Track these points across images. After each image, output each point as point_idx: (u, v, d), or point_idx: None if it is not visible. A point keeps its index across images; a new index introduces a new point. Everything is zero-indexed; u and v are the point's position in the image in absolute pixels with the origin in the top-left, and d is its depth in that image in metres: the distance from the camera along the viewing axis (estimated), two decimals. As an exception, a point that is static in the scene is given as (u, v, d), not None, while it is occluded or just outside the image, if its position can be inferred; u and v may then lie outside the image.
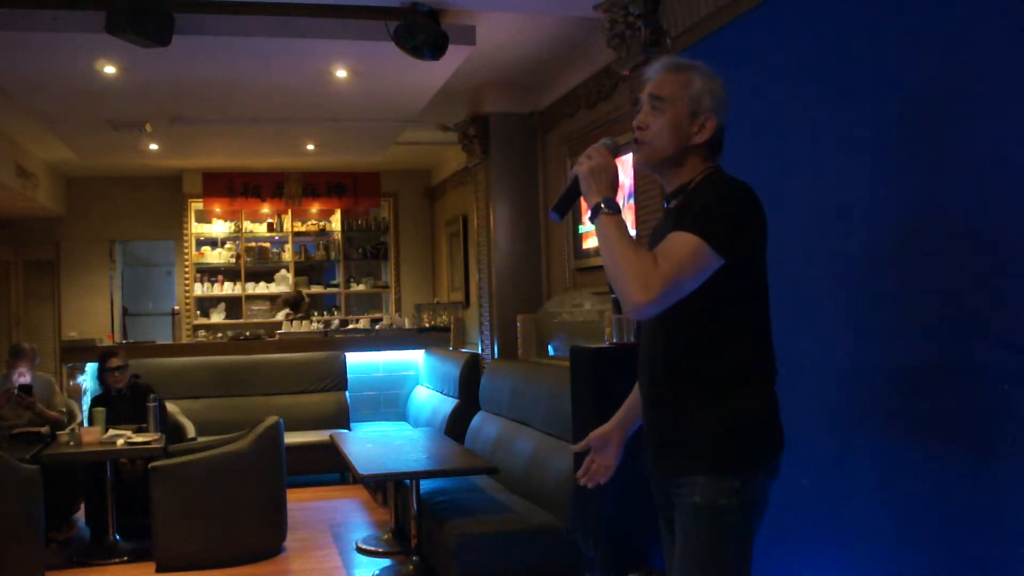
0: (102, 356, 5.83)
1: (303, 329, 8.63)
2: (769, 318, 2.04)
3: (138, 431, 5.29)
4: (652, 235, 2.23)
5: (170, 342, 9.19)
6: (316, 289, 10.66)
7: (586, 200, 1.98)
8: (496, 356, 6.66)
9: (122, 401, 5.57)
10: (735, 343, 1.97)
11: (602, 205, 1.92)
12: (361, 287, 10.74)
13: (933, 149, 2.53)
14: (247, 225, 10.46)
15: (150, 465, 4.94)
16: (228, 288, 10.26)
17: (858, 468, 2.77)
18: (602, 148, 2.00)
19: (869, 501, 2.73)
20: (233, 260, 10.38)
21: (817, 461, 2.91)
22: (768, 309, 2.04)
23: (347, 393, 7.67)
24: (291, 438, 6.00)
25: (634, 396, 2.31)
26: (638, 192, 4.65)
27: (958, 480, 2.40)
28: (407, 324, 8.97)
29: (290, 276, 10.43)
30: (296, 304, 9.22)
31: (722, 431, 1.95)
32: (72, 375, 7.25)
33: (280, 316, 9.27)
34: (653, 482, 2.15)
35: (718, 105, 2.04)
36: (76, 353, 7.18)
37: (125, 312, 11.06)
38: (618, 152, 2.04)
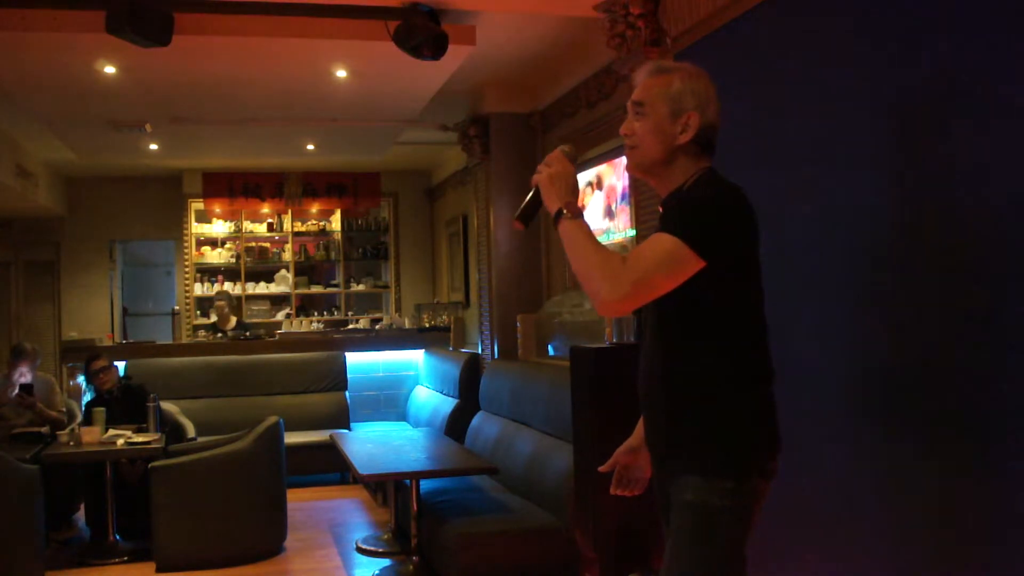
0: (87, 360, 5.82)
1: (303, 329, 8.63)
2: (764, 320, 2.04)
3: (138, 431, 5.29)
4: None
5: (170, 342, 9.19)
6: (316, 289, 10.66)
7: (547, 207, 2.03)
8: (496, 356, 6.66)
9: (114, 403, 5.56)
10: (730, 345, 1.98)
11: (563, 211, 1.98)
12: (361, 287, 10.74)
13: (933, 149, 2.53)
14: (247, 225, 10.46)
15: (150, 465, 4.94)
16: (228, 288, 10.26)
17: (858, 468, 2.77)
18: (559, 155, 2.05)
19: (869, 501, 2.73)
20: (233, 260, 10.39)
21: (817, 461, 2.90)
22: (763, 311, 2.04)
23: (347, 393, 7.67)
24: (291, 438, 6.00)
25: None
26: (637, 192, 4.65)
27: (958, 480, 2.40)
28: (407, 324, 8.97)
29: (290, 276, 10.43)
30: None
31: (717, 432, 1.96)
32: (72, 375, 7.25)
33: None
34: (654, 481, 2.16)
35: (701, 103, 2.04)
36: (76, 353, 7.18)
37: (125, 312, 11.06)
38: (575, 159, 2.09)
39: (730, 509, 1.92)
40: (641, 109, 2.06)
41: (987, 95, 2.33)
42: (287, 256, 10.52)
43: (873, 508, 2.71)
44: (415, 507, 4.64)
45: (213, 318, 9.00)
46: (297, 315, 10.24)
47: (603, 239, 5.55)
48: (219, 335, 8.44)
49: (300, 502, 6.36)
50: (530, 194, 2.09)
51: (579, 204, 1.99)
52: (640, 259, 1.88)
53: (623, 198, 5.33)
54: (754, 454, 1.97)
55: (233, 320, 8.72)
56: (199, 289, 10.18)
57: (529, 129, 6.76)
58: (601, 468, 2.35)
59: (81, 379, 7.11)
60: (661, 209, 2.14)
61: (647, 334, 2.09)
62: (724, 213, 1.94)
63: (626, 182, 5.28)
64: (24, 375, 5.92)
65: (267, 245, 10.62)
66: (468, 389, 6.59)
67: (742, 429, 1.96)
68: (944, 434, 2.46)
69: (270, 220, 10.52)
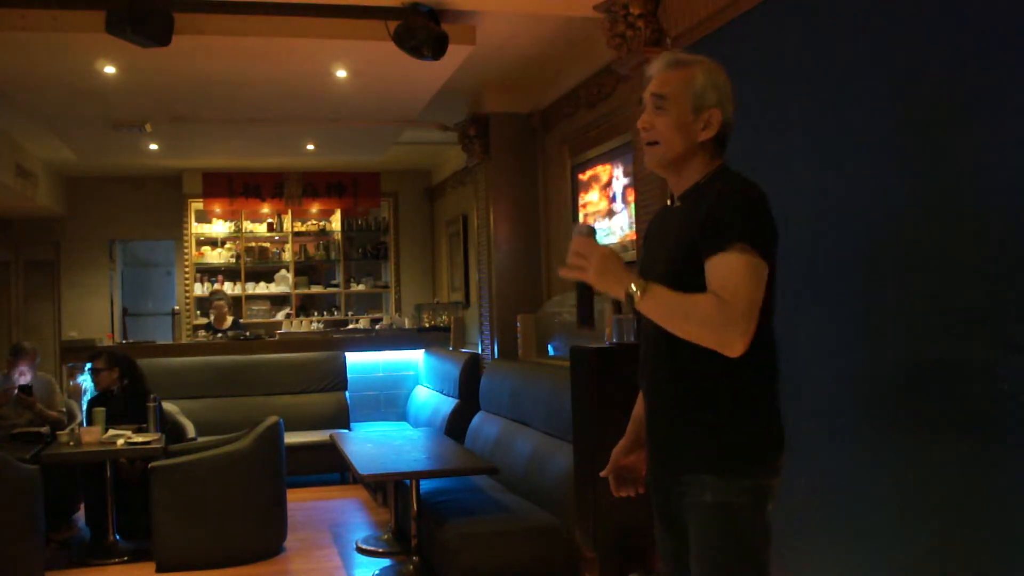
0: (89, 359, 5.85)
1: (303, 329, 8.63)
2: (773, 316, 2.00)
3: (138, 431, 5.29)
4: (648, 230, 2.20)
5: (170, 342, 9.19)
6: (316, 289, 10.66)
7: (613, 297, 1.94)
8: (496, 356, 6.66)
9: (115, 402, 5.57)
10: None
11: (630, 292, 1.87)
12: (361, 287, 10.74)
13: (933, 149, 2.53)
14: (247, 225, 10.46)
15: (150, 465, 4.94)
16: (228, 288, 10.26)
17: (857, 468, 2.77)
18: (587, 241, 1.93)
19: (868, 501, 2.73)
20: (233, 260, 10.39)
21: (816, 461, 2.90)
22: (773, 307, 2.00)
23: (347, 393, 7.67)
24: (291, 438, 6.00)
25: (641, 406, 2.25)
26: (638, 192, 4.65)
27: (958, 479, 2.40)
28: (407, 324, 8.97)
29: (290, 276, 10.44)
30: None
31: (729, 431, 1.93)
32: (72, 375, 7.25)
33: None
34: (653, 481, 2.13)
35: (722, 99, 2.00)
36: (76, 353, 7.18)
37: (125, 312, 11.06)
38: (594, 232, 1.98)
39: (750, 506, 1.90)
40: (663, 103, 1.99)
41: (988, 94, 2.32)
42: (287, 256, 10.52)
43: (872, 507, 2.71)
44: (415, 507, 4.64)
45: (211, 317, 9.01)
46: (297, 315, 10.24)
47: (603, 239, 5.56)
48: (217, 335, 8.45)
49: (300, 502, 6.35)
50: (579, 295, 2.02)
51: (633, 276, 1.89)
52: (733, 292, 1.81)
53: (622, 198, 5.33)
54: (766, 452, 1.95)
55: (229, 320, 8.74)
56: (199, 289, 10.18)
57: (529, 129, 6.76)
58: (602, 473, 2.29)
59: (81, 379, 7.12)
60: (673, 203, 2.08)
61: (651, 330, 2.00)
62: (763, 210, 1.92)
63: (625, 182, 5.28)
64: (24, 375, 5.92)
65: (267, 245, 10.63)
66: (468, 389, 6.58)
67: (754, 427, 1.94)
68: (944, 434, 2.46)
69: (270, 220, 10.53)
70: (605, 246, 1.94)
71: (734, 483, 1.90)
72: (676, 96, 1.98)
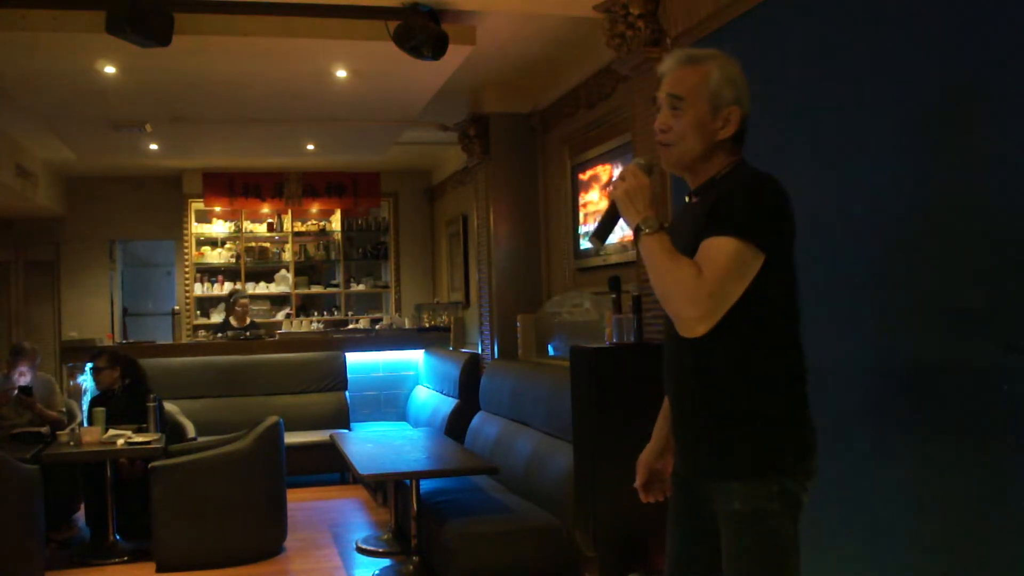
0: (90, 358, 5.86)
1: (303, 329, 8.63)
2: (799, 314, 1.97)
3: (138, 431, 5.29)
4: (670, 227, 2.18)
5: (170, 342, 9.19)
6: (316, 289, 10.66)
7: (626, 222, 1.94)
8: (496, 356, 6.66)
9: (117, 401, 5.57)
10: (766, 342, 1.90)
11: (641, 226, 1.88)
12: (361, 287, 10.74)
13: (933, 150, 2.52)
14: (247, 225, 10.46)
15: (150, 465, 4.94)
16: (228, 288, 10.26)
17: (857, 467, 2.77)
18: (635, 168, 1.95)
19: (869, 500, 2.73)
20: (233, 260, 10.39)
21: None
22: (798, 304, 1.97)
23: (347, 393, 7.67)
24: (291, 438, 6.00)
25: (668, 408, 2.23)
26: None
27: (958, 480, 2.40)
28: (407, 324, 8.97)
29: (290, 276, 10.44)
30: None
31: (756, 434, 1.89)
32: (72, 375, 7.25)
33: None
34: (677, 481, 2.10)
35: (740, 95, 1.96)
36: (76, 353, 7.18)
37: (125, 312, 11.06)
38: (652, 171, 1.98)
39: (779, 512, 1.87)
40: (679, 103, 1.95)
41: (988, 94, 2.32)
42: (287, 256, 10.52)
43: (872, 507, 2.71)
44: (415, 507, 4.64)
45: (215, 318, 9.01)
46: (297, 315, 10.24)
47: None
48: (218, 335, 8.44)
49: (300, 502, 6.36)
50: (606, 210, 2.01)
51: (656, 216, 1.89)
52: (710, 271, 1.79)
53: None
54: (794, 456, 1.91)
55: (248, 319, 8.76)
56: (199, 289, 10.18)
57: (529, 129, 6.76)
58: (636, 483, 2.25)
59: (81, 379, 7.12)
60: (690, 199, 2.06)
61: (675, 333, 1.94)
62: (772, 203, 1.89)
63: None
64: (24, 375, 5.92)
65: (267, 245, 10.63)
66: (468, 389, 6.58)
67: (780, 429, 1.90)
68: (944, 434, 2.45)
69: (270, 220, 10.53)
70: (646, 180, 1.95)
71: (762, 489, 1.86)
72: (692, 96, 1.95)
